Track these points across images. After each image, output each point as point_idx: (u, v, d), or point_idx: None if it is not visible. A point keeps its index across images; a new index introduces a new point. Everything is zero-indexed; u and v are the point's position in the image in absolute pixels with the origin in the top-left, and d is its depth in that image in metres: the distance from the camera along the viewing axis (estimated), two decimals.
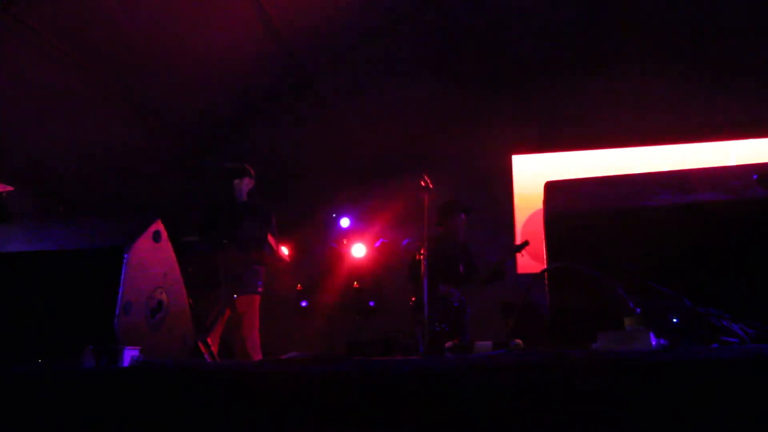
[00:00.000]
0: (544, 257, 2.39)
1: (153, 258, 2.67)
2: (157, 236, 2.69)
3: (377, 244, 7.88)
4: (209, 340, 4.30)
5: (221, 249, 4.10)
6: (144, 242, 2.62)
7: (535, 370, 1.64)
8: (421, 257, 4.85)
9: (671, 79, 7.34)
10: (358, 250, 7.97)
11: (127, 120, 6.50)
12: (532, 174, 8.20)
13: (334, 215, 8.26)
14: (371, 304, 7.96)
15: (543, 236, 2.38)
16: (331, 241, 8.17)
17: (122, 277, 2.46)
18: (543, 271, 2.35)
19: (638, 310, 1.86)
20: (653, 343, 1.76)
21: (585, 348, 1.92)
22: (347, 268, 7.95)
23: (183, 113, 6.93)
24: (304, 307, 8.05)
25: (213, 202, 5.06)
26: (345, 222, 8.20)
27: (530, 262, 7.91)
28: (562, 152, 8.11)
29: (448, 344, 2.30)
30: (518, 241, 7.79)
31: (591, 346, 1.90)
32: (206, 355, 3.87)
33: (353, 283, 7.98)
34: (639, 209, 2.21)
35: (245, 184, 4.96)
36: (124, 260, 2.48)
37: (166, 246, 2.75)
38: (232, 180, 4.88)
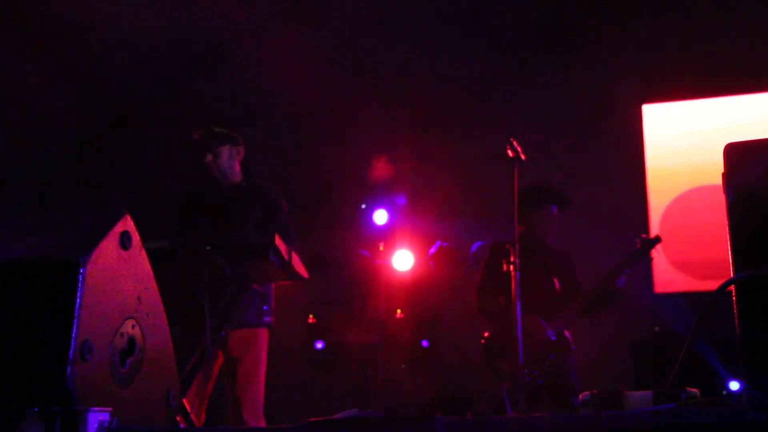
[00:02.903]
0: (729, 262, 2.42)
1: (121, 274, 2.72)
2: (125, 240, 2.75)
3: (433, 249, 7.95)
4: (185, 402, 4.42)
5: (202, 260, 4.16)
6: (108, 249, 2.66)
7: None
8: (512, 266, 4.90)
9: None
10: (403, 260, 8.03)
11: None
12: (671, 135, 8.19)
13: (363, 206, 8.34)
14: (424, 343, 8.02)
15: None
16: (361, 246, 8.26)
17: (77, 303, 2.50)
18: (727, 283, 2.38)
19: None
20: None
21: None
22: (386, 289, 8.03)
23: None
24: (319, 351, 8.18)
25: (192, 190, 5.15)
26: (381, 216, 8.27)
27: (670, 269, 7.90)
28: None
29: (584, 395, 2.36)
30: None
31: None
32: (182, 425, 3.96)
33: (395, 312, 8.06)
34: None
35: (228, 157, 5.01)
36: (80, 278, 2.52)
37: (139, 255, 2.82)
38: (203, 156, 4.94)
